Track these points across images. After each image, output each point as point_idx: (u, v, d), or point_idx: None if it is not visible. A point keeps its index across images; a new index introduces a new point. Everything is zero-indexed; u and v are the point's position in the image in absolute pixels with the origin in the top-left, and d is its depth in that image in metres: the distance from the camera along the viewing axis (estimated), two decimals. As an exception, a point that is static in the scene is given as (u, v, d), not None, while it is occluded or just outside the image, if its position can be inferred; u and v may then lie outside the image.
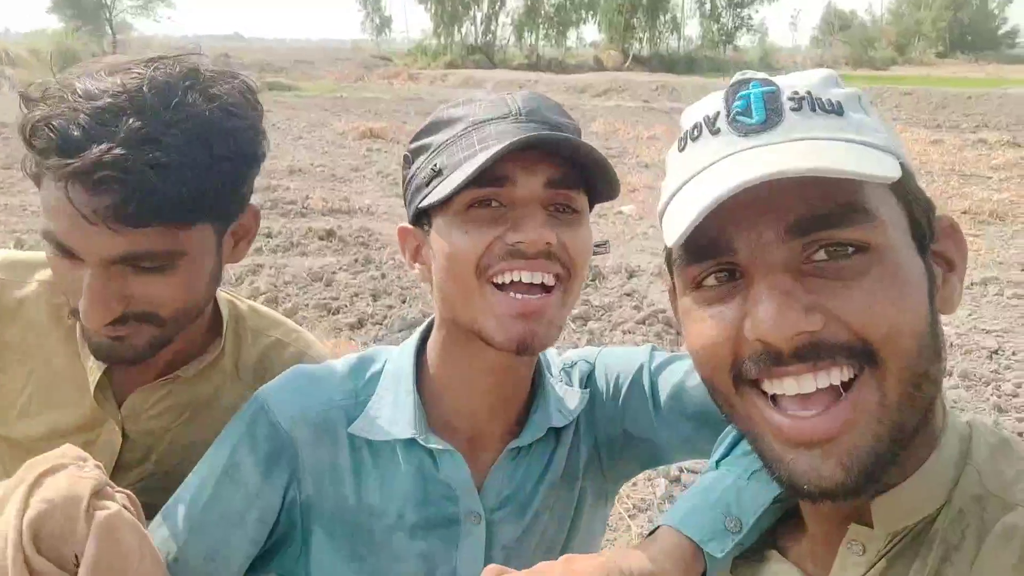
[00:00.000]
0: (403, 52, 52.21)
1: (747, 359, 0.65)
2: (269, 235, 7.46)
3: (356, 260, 6.83)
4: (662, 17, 53.06)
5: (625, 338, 5.22)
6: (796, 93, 0.67)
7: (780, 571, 0.77)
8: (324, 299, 5.83)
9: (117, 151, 0.94)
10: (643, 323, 5.46)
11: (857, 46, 55.31)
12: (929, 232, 0.69)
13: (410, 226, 1.04)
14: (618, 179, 0.97)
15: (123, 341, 1.07)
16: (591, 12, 53.62)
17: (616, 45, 50.51)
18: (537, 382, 1.08)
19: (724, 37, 55.95)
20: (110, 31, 42.22)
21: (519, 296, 0.93)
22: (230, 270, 6.36)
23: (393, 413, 1.01)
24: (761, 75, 0.71)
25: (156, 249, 1.01)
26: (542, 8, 53.41)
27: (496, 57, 48.06)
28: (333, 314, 5.60)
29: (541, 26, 53.89)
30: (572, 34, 56.13)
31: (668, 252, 0.74)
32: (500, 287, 0.93)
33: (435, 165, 0.96)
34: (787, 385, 0.64)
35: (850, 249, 0.63)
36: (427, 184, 0.97)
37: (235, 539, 1.00)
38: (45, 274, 1.21)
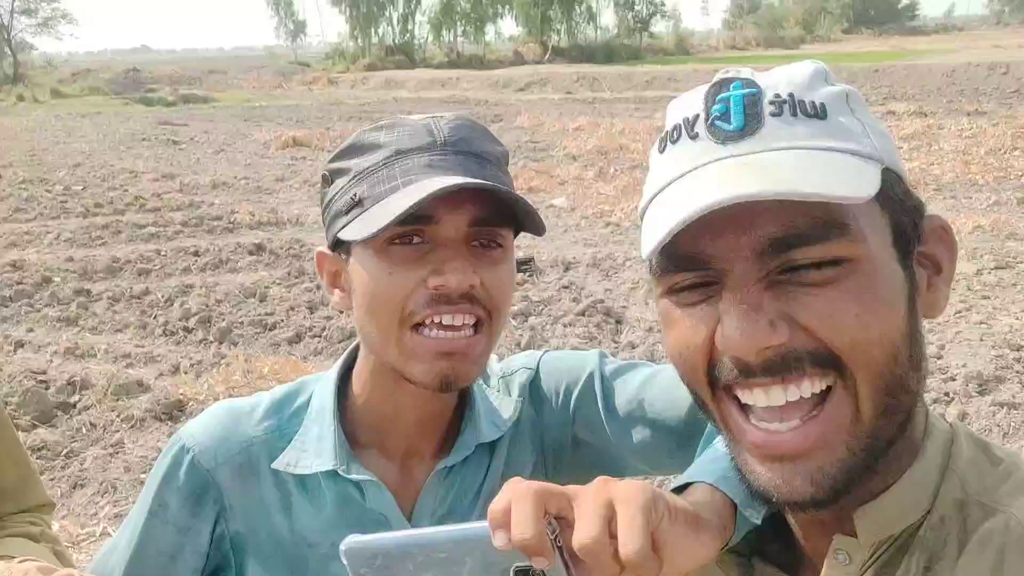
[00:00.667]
0: (320, 57, 51.41)
1: (719, 364, 0.65)
2: (197, 253, 7.27)
3: (289, 273, 6.70)
4: (578, 8, 53.57)
5: (566, 331, 5.26)
6: (778, 96, 0.65)
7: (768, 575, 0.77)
8: (259, 315, 5.71)
9: None
10: (583, 315, 5.51)
11: (767, 27, 56.95)
12: (915, 236, 0.67)
13: (328, 251, 1.01)
14: (542, 221, 0.96)
15: None
16: (507, 6, 53.79)
17: (535, 38, 50.80)
18: (466, 398, 1.07)
19: (639, 24, 56.83)
20: (9, 51, 40.39)
21: (441, 334, 0.91)
22: (158, 293, 6.17)
23: (318, 445, 1.00)
24: (745, 73, 0.67)
25: None
26: (458, 5, 53.31)
27: (416, 56, 47.74)
28: (270, 330, 5.49)
29: (459, 23, 53.77)
30: (490, 29, 56.23)
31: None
32: (421, 325, 0.92)
33: (355, 194, 0.93)
34: (757, 396, 0.64)
35: (821, 264, 0.62)
36: (346, 212, 0.94)
37: (175, 572, 1.00)
38: None
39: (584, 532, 0.58)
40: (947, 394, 4.14)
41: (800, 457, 0.63)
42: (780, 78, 0.66)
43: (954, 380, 4.28)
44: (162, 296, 6.12)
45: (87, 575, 0.94)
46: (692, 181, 0.64)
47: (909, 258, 0.66)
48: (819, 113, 0.64)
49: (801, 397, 0.63)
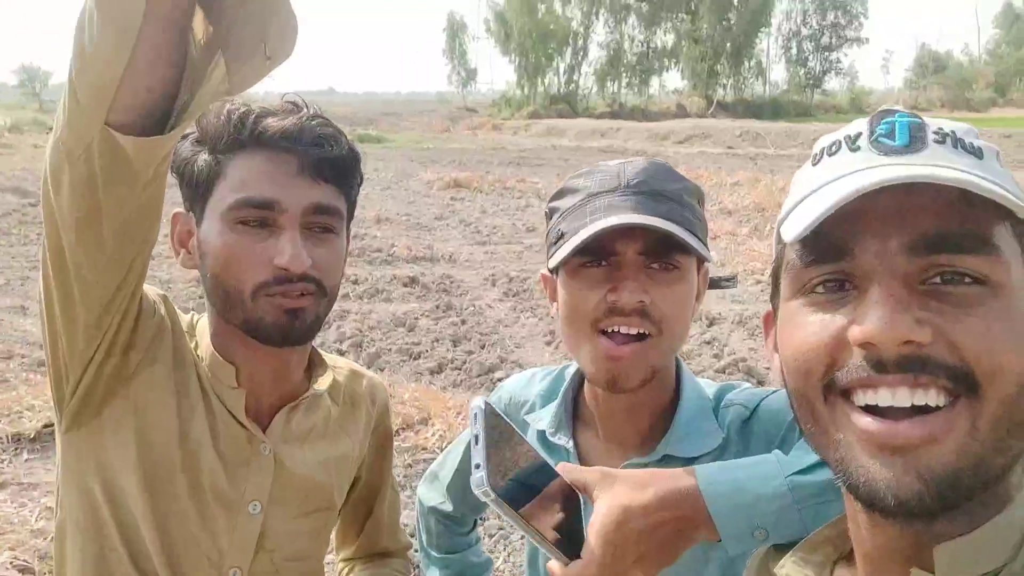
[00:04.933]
0: (487, 103, 53.49)
1: (844, 366, 0.65)
2: (356, 282, 7.74)
3: (438, 306, 7.01)
4: (746, 63, 52.79)
5: (704, 387, 5.15)
6: (941, 129, 0.67)
7: None
8: (406, 344, 6.00)
9: None
10: (723, 372, 5.39)
11: (954, 88, 53.61)
12: None
13: (548, 274, 1.22)
14: (700, 247, 1.09)
15: None
16: (674, 60, 53.85)
17: (699, 91, 50.46)
18: (677, 402, 1.21)
19: (811, 81, 55.12)
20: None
21: (612, 343, 1.12)
22: (318, 315, 6.62)
23: (549, 413, 1.28)
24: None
25: None
26: (624, 57, 53.97)
27: (578, 106, 48.65)
28: (415, 359, 5.75)
29: (623, 74, 54.38)
30: (655, 82, 56.42)
31: (778, 259, 0.73)
32: (603, 332, 1.12)
33: (559, 229, 1.13)
34: (881, 396, 0.63)
35: (968, 279, 0.62)
36: (554, 243, 1.15)
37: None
38: None
39: None
40: None
41: (912, 450, 0.62)
42: (939, 121, 0.69)
43: None
44: (322, 319, 6.56)
45: None
46: (856, 176, 0.64)
47: None
48: (977, 153, 0.66)
49: (927, 404, 0.62)
